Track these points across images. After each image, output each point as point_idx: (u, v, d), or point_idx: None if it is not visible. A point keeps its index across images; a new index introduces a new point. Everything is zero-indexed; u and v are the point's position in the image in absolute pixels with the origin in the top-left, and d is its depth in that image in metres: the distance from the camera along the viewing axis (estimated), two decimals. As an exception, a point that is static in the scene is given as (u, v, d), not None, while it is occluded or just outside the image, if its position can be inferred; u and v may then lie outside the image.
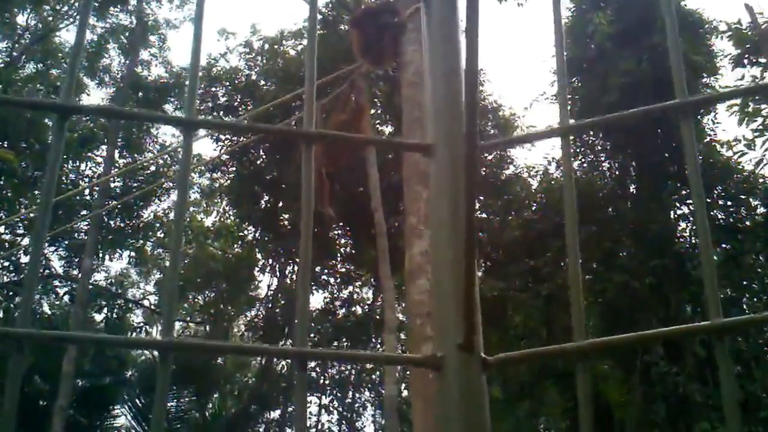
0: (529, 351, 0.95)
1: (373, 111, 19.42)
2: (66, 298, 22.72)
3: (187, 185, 0.97)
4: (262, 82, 22.18)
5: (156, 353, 0.89)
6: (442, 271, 0.95)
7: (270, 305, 23.71)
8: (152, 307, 25.03)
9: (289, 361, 23.41)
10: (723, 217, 16.86)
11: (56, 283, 22.78)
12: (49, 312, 22.22)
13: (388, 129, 21.70)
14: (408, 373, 12.34)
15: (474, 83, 0.89)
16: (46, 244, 21.42)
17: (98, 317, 22.66)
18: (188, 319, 26.38)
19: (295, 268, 23.98)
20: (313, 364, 24.43)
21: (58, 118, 0.95)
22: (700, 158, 12.04)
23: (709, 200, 16.76)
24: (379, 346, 22.75)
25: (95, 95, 24.50)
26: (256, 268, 24.54)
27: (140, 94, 22.39)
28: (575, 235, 0.95)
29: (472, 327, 0.89)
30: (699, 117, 17.47)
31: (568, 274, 0.93)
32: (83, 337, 0.98)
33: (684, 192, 17.10)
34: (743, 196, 16.69)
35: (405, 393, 18.24)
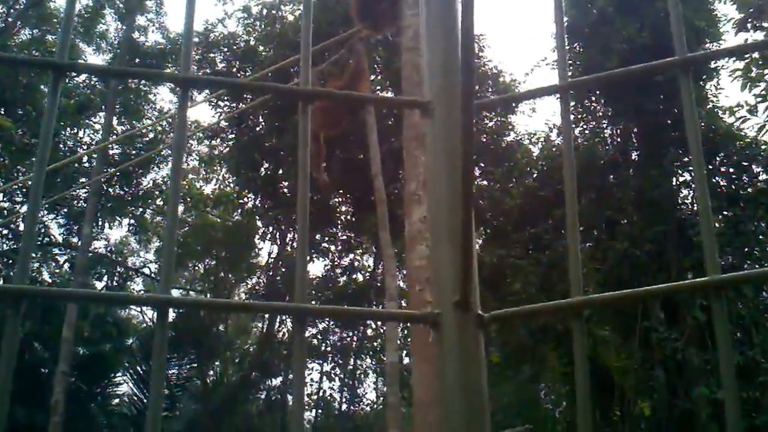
0: (524, 308, 0.96)
1: (372, 77, 19.32)
2: (66, 266, 22.80)
3: (185, 140, 0.97)
4: (261, 48, 22.07)
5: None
6: (439, 229, 0.96)
7: (271, 273, 23.78)
8: (152, 275, 25.09)
9: (290, 328, 23.56)
10: (725, 184, 16.84)
11: (56, 251, 22.84)
12: (49, 280, 22.29)
13: (388, 95, 21.61)
14: (409, 340, 12.41)
15: (470, 40, 0.89)
16: (45, 212, 21.48)
17: (98, 285, 22.74)
18: (188, 287, 26.48)
19: (296, 235, 23.98)
20: (314, 331, 24.55)
21: (54, 77, 0.95)
22: (702, 124, 12.00)
23: (710, 167, 16.75)
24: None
25: (92, 61, 24.34)
26: (257, 236, 24.59)
27: (137, 60, 22.28)
28: (574, 189, 0.95)
29: (468, 285, 0.89)
30: (701, 83, 17.40)
31: (566, 229, 0.93)
32: (81, 294, 0.98)
33: (686, 159, 17.07)
34: (745, 163, 16.66)
35: (406, 360, 18.35)
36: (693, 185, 17.05)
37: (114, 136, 20.82)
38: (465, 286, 0.89)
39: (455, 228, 0.91)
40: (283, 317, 23.92)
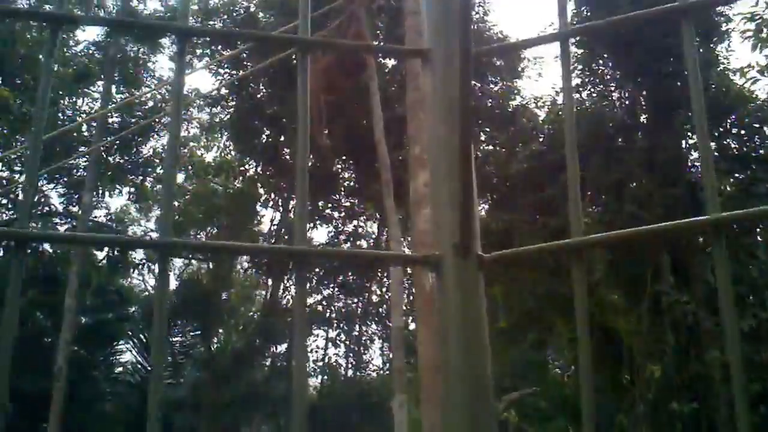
0: (522, 249, 0.98)
1: (374, 43, 19.21)
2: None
3: (182, 96, 0.98)
4: (261, 15, 21.95)
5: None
6: (439, 175, 0.97)
7: (273, 240, 23.85)
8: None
9: (293, 295, 23.68)
10: (736, 146, 16.79)
11: (56, 220, 22.91)
12: (50, 249, 22.39)
13: (390, 62, 21.53)
14: (415, 305, 12.48)
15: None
16: (45, 181, 21.52)
17: (99, 255, 22.84)
18: (190, 256, 26.56)
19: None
20: (319, 297, 24.68)
21: (52, 29, 0.96)
22: (713, 86, 11.93)
23: (721, 129, 16.69)
24: (385, 279, 22.93)
25: (90, 30, 24.26)
26: (258, 203, 24.62)
27: (135, 30, 22.10)
28: (574, 139, 0.96)
29: (468, 227, 0.91)
30: (712, 45, 17.28)
31: (567, 171, 0.95)
32: (84, 237, 1.00)
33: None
34: (757, 125, 16.59)
35: (412, 326, 18.44)
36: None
37: (113, 104, 20.78)
38: (464, 228, 0.91)
39: (454, 171, 0.92)
40: (287, 284, 24.03)
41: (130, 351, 23.62)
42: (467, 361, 0.87)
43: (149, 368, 23.16)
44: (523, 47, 1.10)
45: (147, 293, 25.44)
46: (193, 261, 23.94)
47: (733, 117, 16.77)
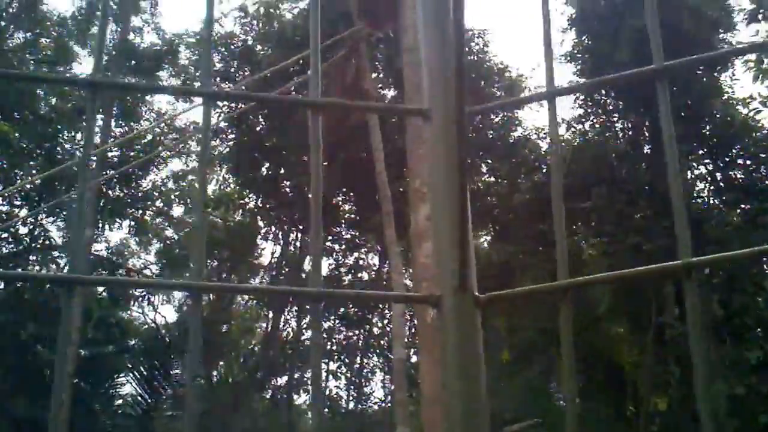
0: (516, 290, 1.09)
1: (374, 74, 19.46)
2: (66, 269, 22.98)
3: (209, 153, 1.10)
4: (259, 47, 22.20)
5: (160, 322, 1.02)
6: (440, 224, 1.09)
7: (274, 272, 23.95)
8: (153, 275, 25.25)
9: (293, 327, 23.72)
10: (741, 176, 16.93)
11: (56, 253, 23.01)
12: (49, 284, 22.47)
13: (390, 93, 21.74)
14: (417, 338, 12.55)
15: (460, 52, 1.02)
16: (45, 216, 21.65)
17: (99, 288, 22.92)
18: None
19: (299, 235, 24.15)
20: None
21: (91, 93, 1.07)
22: (717, 116, 12.05)
23: (727, 159, 16.83)
24: (386, 311, 23.00)
25: (87, 63, 24.50)
26: (259, 236, 24.74)
27: (133, 62, 22.39)
28: (560, 181, 1.08)
29: (466, 269, 1.03)
30: (716, 74, 17.48)
31: (553, 216, 1.06)
32: (127, 281, 1.12)
33: (701, 152, 17.17)
34: (763, 155, 16.73)
35: (414, 358, 18.48)
36: (709, 178, 17.15)
37: (112, 139, 20.97)
38: (463, 270, 1.03)
39: (454, 222, 1.04)
40: (288, 316, 24.06)
41: (131, 383, 23.65)
42: (465, 387, 0.98)
43: (149, 401, 23.25)
44: (512, 106, 1.22)
45: (147, 326, 25.49)
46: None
47: (738, 147, 16.92)
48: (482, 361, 1.02)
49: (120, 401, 24.07)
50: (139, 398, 23.44)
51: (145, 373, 22.84)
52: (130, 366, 22.80)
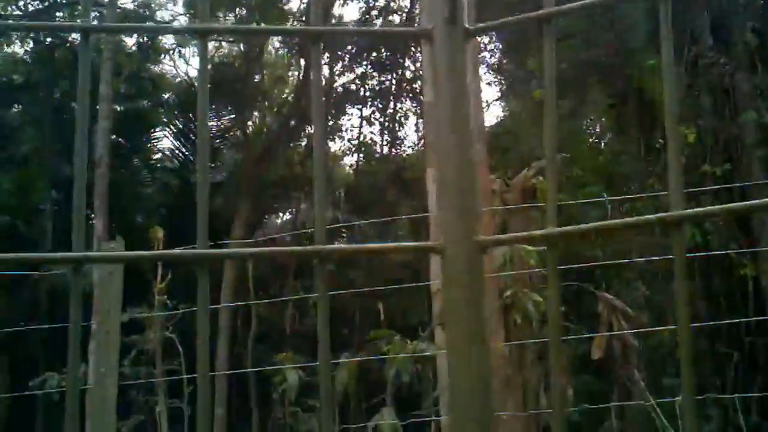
0: (508, 19, 1.14)
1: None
2: (95, 22, 22.77)
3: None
4: None
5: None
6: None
7: (303, 18, 23.57)
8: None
9: (326, 74, 23.74)
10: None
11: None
12: (77, 36, 22.37)
13: None
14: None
15: None
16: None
17: (129, 41, 22.89)
18: (221, 38, 26.43)
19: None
20: (352, 75, 24.70)
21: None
22: None
23: None
24: (418, 54, 22.81)
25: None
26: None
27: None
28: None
29: (454, 3, 1.08)
30: None
31: None
32: (143, 27, 1.18)
33: None
34: None
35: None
36: None
37: None
38: (452, 3, 1.08)
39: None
40: (321, 62, 23.93)
41: (167, 137, 24.22)
42: (455, 115, 1.07)
43: (186, 153, 23.92)
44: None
45: (179, 79, 25.63)
46: (224, 44, 23.86)
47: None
48: (468, 99, 1.09)
49: (158, 155, 24.79)
50: (176, 151, 24.09)
51: (180, 126, 23.29)
52: (166, 120, 23.23)
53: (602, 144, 18.85)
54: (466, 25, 1.10)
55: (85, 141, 1.06)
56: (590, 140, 19.16)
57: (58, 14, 21.77)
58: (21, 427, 20.03)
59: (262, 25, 23.34)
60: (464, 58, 1.10)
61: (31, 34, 21.84)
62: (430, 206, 13.04)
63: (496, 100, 25.00)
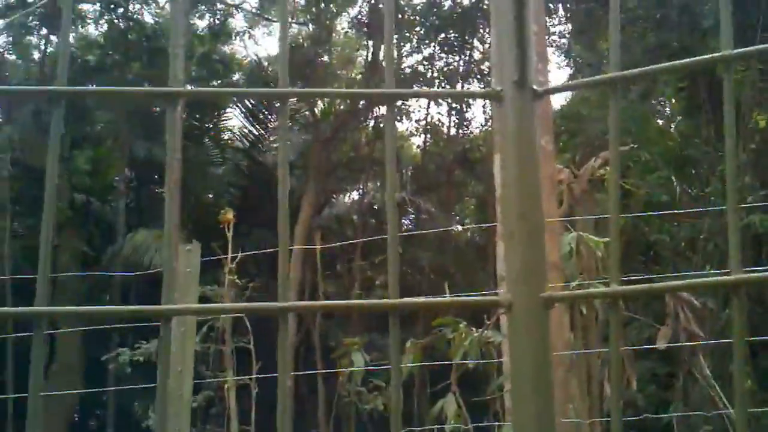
0: (577, 81, 1.17)
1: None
2: (167, 6, 23.17)
3: None
4: None
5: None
6: (502, 23, 1.16)
7: (373, 1, 23.54)
8: (253, 10, 25.26)
9: (395, 54, 23.64)
10: None
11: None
12: (152, 21, 22.82)
13: None
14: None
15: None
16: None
17: (200, 23, 23.20)
18: (291, 18, 26.60)
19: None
20: (419, 56, 24.63)
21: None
22: None
23: None
24: (486, 35, 22.63)
25: None
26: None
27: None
28: None
29: (524, 65, 1.12)
30: None
31: None
32: None
33: None
34: None
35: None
36: None
37: None
38: (522, 66, 1.13)
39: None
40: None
41: (237, 117, 24.50)
42: (521, 178, 1.11)
43: (256, 134, 24.23)
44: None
45: (249, 59, 25.88)
46: (294, 25, 24.00)
47: None
48: (537, 150, 1.13)
49: (228, 134, 25.15)
50: (245, 130, 24.41)
51: (250, 106, 23.54)
52: (235, 99, 23.52)
53: (672, 127, 18.52)
54: (535, 87, 1.14)
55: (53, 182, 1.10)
56: (660, 123, 18.82)
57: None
58: (93, 398, 20.70)
59: (331, 6, 23.43)
60: (533, 120, 1.14)
61: (105, 16, 22.30)
62: (496, 186, 13.07)
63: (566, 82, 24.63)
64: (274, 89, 1.16)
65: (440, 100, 24.63)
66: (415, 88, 24.05)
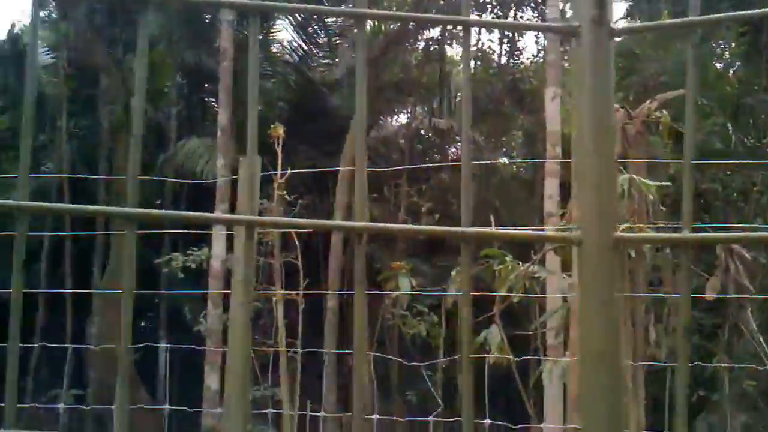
0: (654, 23, 1.16)
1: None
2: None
3: None
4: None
5: None
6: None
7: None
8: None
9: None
10: None
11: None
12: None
13: None
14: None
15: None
16: None
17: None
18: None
19: None
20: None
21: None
22: None
23: None
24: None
25: None
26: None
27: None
28: None
29: (603, 3, 1.11)
30: None
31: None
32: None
33: None
34: None
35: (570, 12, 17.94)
36: None
37: None
38: (601, 3, 1.12)
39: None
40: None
41: (286, 30, 24.05)
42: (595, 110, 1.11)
43: (305, 48, 23.89)
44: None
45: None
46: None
47: None
48: (611, 93, 1.13)
49: (277, 47, 24.74)
50: (294, 44, 24.01)
51: (300, 19, 23.12)
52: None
53: (731, 73, 18.03)
54: (612, 26, 1.13)
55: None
56: (718, 68, 18.30)
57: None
58: (145, 300, 21.08)
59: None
60: (610, 58, 1.14)
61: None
62: (547, 120, 12.89)
63: (622, 18, 24.04)
64: (352, 9, 1.17)
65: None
66: (489, 18, 23.70)
